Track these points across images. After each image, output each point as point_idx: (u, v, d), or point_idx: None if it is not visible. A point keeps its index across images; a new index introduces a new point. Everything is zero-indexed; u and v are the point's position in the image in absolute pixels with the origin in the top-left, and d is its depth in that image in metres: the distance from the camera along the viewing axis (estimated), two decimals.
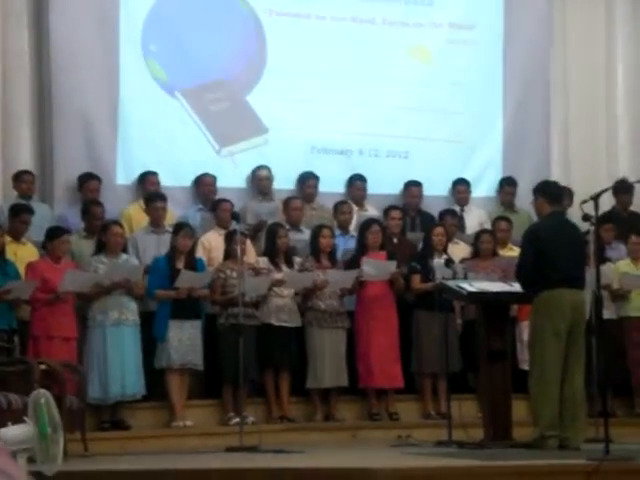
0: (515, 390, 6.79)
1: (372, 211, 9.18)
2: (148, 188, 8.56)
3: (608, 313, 7.82)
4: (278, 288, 7.97)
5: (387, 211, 8.88)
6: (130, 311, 7.57)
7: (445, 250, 8.35)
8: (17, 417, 4.37)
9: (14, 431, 4.21)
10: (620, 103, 10.34)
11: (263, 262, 8.07)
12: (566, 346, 6.29)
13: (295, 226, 8.68)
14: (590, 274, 6.43)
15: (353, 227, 8.89)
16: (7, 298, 7.15)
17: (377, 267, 8.11)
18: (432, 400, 8.21)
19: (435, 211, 9.23)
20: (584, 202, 6.03)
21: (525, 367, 7.35)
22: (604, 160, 10.26)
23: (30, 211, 7.74)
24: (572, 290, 6.34)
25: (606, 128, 10.33)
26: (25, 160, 8.53)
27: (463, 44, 9.90)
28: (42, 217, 7.99)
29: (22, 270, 7.41)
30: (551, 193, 6.63)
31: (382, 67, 9.60)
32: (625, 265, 8.58)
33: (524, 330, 7.85)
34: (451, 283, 7.17)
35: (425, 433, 7.43)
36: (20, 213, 7.71)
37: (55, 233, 7.52)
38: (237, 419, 7.35)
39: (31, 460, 4.29)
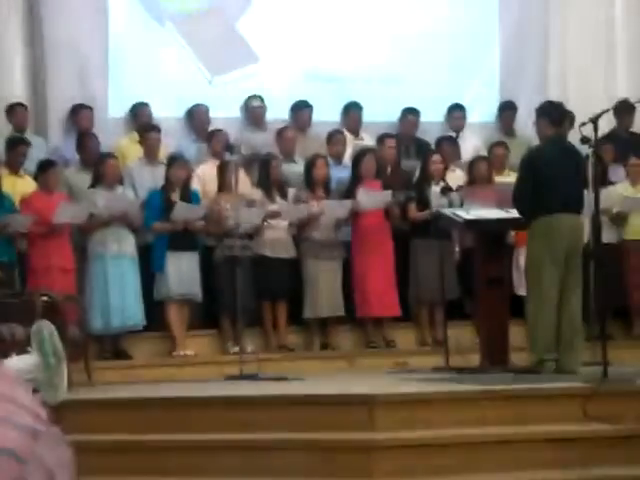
0: (512, 316, 6.80)
1: (367, 140, 9.11)
2: (141, 119, 8.48)
3: (607, 237, 7.81)
4: (273, 220, 7.96)
5: (381, 139, 8.79)
6: (128, 243, 7.60)
7: (442, 177, 8.32)
8: (20, 348, 4.40)
9: (19, 361, 4.24)
10: (618, 23, 10.22)
11: (257, 194, 8.05)
12: (564, 271, 6.29)
13: (289, 157, 8.63)
14: (589, 197, 6.39)
15: (347, 157, 8.84)
16: (5, 232, 7.16)
17: (372, 197, 8.09)
18: (429, 327, 8.26)
19: (430, 138, 9.16)
20: (583, 124, 5.96)
21: (522, 293, 7.35)
22: (602, 81, 10.17)
23: (27, 143, 7.69)
24: (570, 215, 6.29)
25: (605, 50, 10.22)
26: (18, 93, 8.45)
27: None
28: (38, 150, 7.94)
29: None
30: (554, 114, 6.51)
31: None
32: (624, 188, 8.56)
33: (521, 256, 7.84)
34: (447, 211, 7.16)
35: (422, 360, 7.49)
36: (17, 145, 7.67)
37: (46, 165, 7.49)
38: (236, 348, 7.40)
39: (35, 390, 4.32)
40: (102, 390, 6.49)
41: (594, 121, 5.83)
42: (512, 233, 7.85)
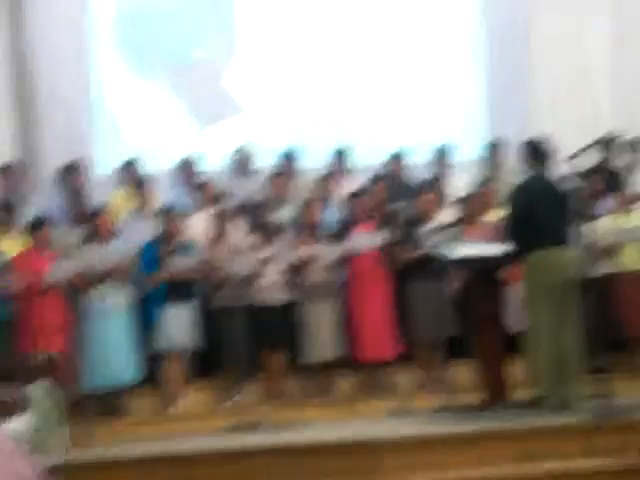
0: (510, 352, 6.77)
1: (357, 182, 9.16)
2: (132, 174, 8.57)
3: (598, 270, 7.84)
4: (267, 265, 7.97)
5: (371, 183, 8.87)
6: (123, 297, 7.60)
7: (432, 217, 8.35)
8: (18, 409, 4.37)
9: (16, 423, 4.21)
10: (604, 57, 10.32)
11: (250, 240, 8.07)
12: (560, 305, 6.29)
13: (280, 202, 8.67)
14: (578, 231, 6.42)
15: (339, 199, 8.88)
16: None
17: (366, 238, 8.11)
18: (429, 368, 8.22)
19: (419, 179, 9.23)
20: (571, 157, 6.02)
21: (516, 329, 7.33)
22: (589, 116, 10.25)
23: (18, 205, 7.72)
24: (561, 248, 6.33)
25: (591, 84, 10.32)
26: (8, 153, 8.52)
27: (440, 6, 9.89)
28: (28, 209, 7.99)
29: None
30: (536, 152, 6.59)
31: (358, 35, 9.57)
32: (614, 219, 8.58)
33: (513, 292, 7.84)
34: (440, 250, 7.17)
35: (423, 401, 7.43)
36: (9, 208, 7.70)
37: (37, 224, 7.53)
38: (235, 399, 7.36)
39: (34, 452, 4.28)
40: (101, 450, 6.41)
41: (580, 155, 5.87)
42: (507, 269, 7.85)
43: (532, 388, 6.27)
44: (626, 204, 8.54)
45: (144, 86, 8.98)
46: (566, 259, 6.34)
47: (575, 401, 6.14)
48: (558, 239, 6.34)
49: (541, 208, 6.34)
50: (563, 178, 6.73)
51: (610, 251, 8.43)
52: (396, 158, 9.32)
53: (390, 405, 7.55)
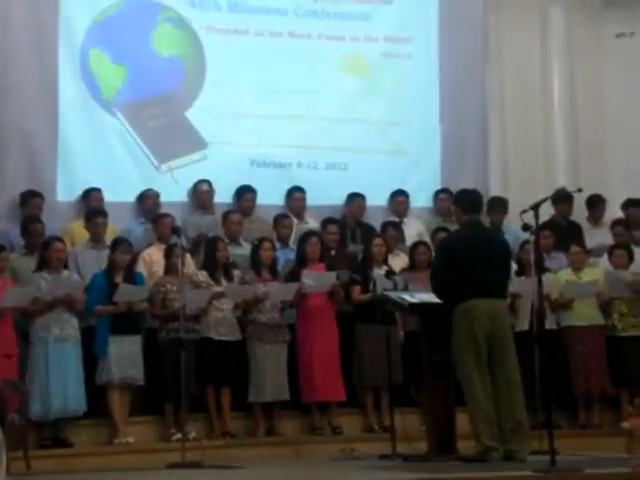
0: (458, 402, 6.78)
1: (312, 223, 9.21)
2: (92, 204, 8.57)
3: (548, 323, 7.90)
4: (218, 301, 7.94)
5: (324, 225, 8.90)
6: (71, 327, 7.53)
7: (385, 261, 8.40)
8: None
9: None
10: (557, 115, 10.54)
11: (202, 276, 8.04)
12: (490, 357, 6.23)
13: (234, 240, 8.67)
14: (529, 284, 6.44)
15: (293, 240, 8.90)
16: None
17: (317, 279, 8.13)
18: (375, 413, 8.23)
19: (374, 222, 9.30)
20: (524, 212, 6.02)
21: None
22: (542, 170, 10.43)
23: None
24: (489, 300, 6.25)
25: (543, 140, 10.53)
26: None
27: (399, 57, 10.04)
28: None
29: None
30: (466, 201, 6.58)
31: (319, 81, 9.70)
32: (567, 274, 8.70)
33: None
34: (392, 294, 7.18)
35: (369, 446, 7.44)
36: None
37: None
38: (179, 435, 7.29)
39: None
40: None
41: (535, 208, 5.91)
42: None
43: (476, 440, 6.24)
44: (578, 259, 8.67)
45: (105, 117, 8.98)
46: (492, 309, 6.24)
47: (521, 455, 6.14)
48: (487, 290, 6.25)
49: (471, 257, 6.26)
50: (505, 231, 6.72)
51: (561, 305, 8.55)
52: (355, 199, 9.38)
53: (336, 448, 7.53)
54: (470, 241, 6.37)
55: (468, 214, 6.51)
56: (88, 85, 8.99)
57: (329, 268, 8.30)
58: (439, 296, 6.42)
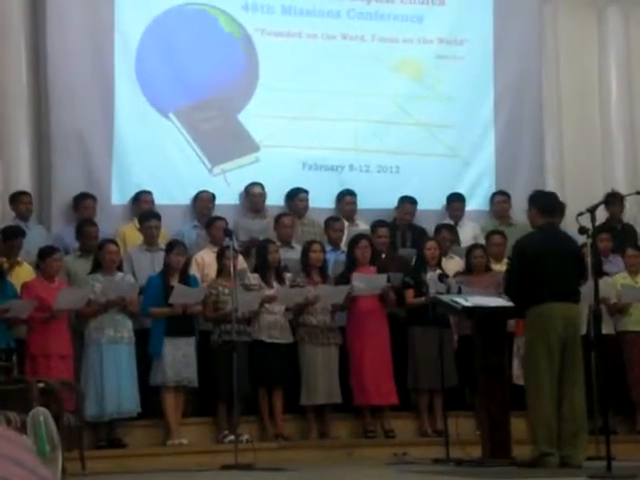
0: (512, 407, 6.70)
1: (363, 226, 9.16)
2: (142, 207, 8.61)
3: (606, 328, 7.77)
4: (269, 304, 7.93)
5: (374, 228, 8.84)
6: (125, 329, 7.58)
7: (439, 264, 8.33)
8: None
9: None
10: (614, 116, 10.39)
11: (254, 278, 8.04)
12: (561, 362, 6.20)
13: (286, 242, 8.66)
14: (587, 288, 6.34)
15: (344, 243, 8.86)
16: (5, 317, 7.17)
17: (367, 282, 8.08)
18: (428, 417, 8.16)
19: (427, 225, 9.22)
20: (580, 214, 5.94)
21: (521, 382, 7.26)
22: (599, 172, 10.28)
23: (20, 233, 7.76)
24: (563, 304, 6.22)
25: (601, 140, 10.38)
26: (23, 181, 8.61)
27: (453, 59, 9.95)
28: (38, 238, 8.05)
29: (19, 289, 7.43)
30: (544, 204, 6.52)
31: (372, 83, 9.64)
32: (623, 278, 8.55)
33: (521, 345, 7.79)
34: (445, 298, 7.12)
35: (422, 451, 7.38)
36: (10, 237, 7.72)
37: (47, 252, 7.53)
38: (232, 437, 7.29)
39: None
40: None
41: (591, 211, 5.82)
42: (512, 321, 7.82)
43: (533, 445, 6.17)
44: (635, 263, 8.52)
45: (158, 122, 9.04)
46: (567, 315, 6.21)
47: (578, 461, 6.07)
48: (562, 294, 6.24)
49: (546, 261, 6.22)
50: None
51: (616, 310, 8.40)
52: (406, 203, 9.32)
53: (388, 452, 7.48)
54: (545, 244, 6.32)
55: (544, 217, 6.43)
56: (145, 85, 9.05)
57: (380, 271, 8.25)
58: (511, 297, 6.37)
